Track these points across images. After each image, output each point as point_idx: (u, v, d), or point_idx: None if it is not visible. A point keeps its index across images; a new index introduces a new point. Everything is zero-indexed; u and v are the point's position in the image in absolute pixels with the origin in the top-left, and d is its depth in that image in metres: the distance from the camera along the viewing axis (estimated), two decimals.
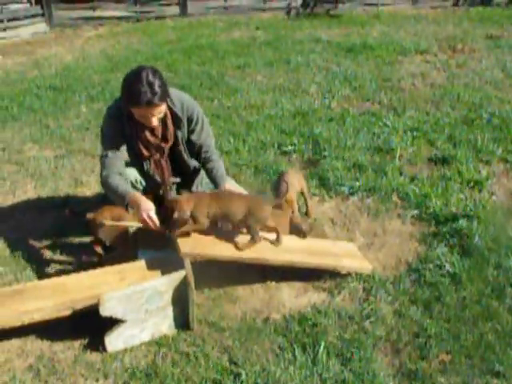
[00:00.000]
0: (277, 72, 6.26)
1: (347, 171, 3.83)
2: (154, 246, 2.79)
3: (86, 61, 7.53)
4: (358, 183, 3.67)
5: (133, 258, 2.75)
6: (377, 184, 3.63)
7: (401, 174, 3.80)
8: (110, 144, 2.84)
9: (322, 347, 2.34)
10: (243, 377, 2.23)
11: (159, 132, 2.89)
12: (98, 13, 10.07)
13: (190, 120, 2.92)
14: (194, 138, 2.96)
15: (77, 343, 2.48)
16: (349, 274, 2.78)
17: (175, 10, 9.92)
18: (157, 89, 2.62)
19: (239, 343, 2.43)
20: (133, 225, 2.78)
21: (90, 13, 10.05)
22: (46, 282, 2.66)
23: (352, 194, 3.59)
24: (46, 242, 3.21)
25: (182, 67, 6.74)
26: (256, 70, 6.39)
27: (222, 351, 2.40)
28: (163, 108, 2.75)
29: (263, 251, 2.67)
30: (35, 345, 2.50)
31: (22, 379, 2.32)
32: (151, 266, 2.61)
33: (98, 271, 2.65)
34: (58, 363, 2.39)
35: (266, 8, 9.86)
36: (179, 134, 2.92)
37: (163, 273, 2.53)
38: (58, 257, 3.08)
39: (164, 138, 2.92)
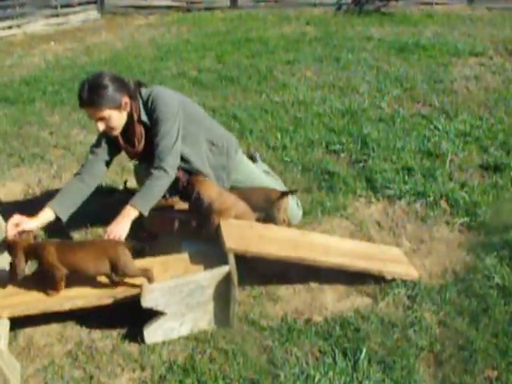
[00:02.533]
0: (326, 69, 6.19)
1: (395, 174, 3.75)
2: (199, 238, 2.78)
3: (136, 49, 7.61)
4: (406, 187, 3.58)
5: (176, 248, 2.73)
6: (426, 188, 3.54)
7: (451, 179, 3.69)
8: (96, 142, 2.94)
9: (363, 353, 2.30)
10: (282, 378, 2.20)
11: (131, 138, 2.91)
12: (148, 1, 10.14)
13: (151, 116, 2.85)
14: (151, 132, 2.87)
15: (115, 332, 2.50)
16: (393, 280, 2.72)
17: (225, 1, 9.94)
18: (86, 93, 2.68)
19: (279, 343, 2.40)
20: (179, 216, 2.79)
21: (140, 1, 10.14)
22: None
23: (400, 197, 3.51)
24: (89, 228, 3.26)
25: (230, 59, 6.75)
26: (305, 66, 6.33)
27: (260, 350, 2.38)
28: (101, 114, 2.73)
29: (310, 252, 2.64)
30: (75, 331, 2.53)
31: (61, 364, 2.35)
32: (195, 259, 2.60)
33: (141, 261, 2.63)
34: (96, 351, 2.41)
35: (317, 3, 9.76)
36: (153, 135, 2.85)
37: (206, 267, 2.51)
38: None
39: (131, 144, 2.92)
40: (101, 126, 2.77)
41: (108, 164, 2.97)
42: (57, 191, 3.62)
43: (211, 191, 2.74)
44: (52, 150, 4.48)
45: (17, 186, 3.92)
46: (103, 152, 2.93)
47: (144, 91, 2.87)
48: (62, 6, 9.48)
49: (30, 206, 3.39)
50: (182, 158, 2.90)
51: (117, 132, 2.84)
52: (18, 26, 8.86)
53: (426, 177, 3.71)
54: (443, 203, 3.43)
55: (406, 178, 3.71)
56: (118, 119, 2.78)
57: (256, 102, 5.22)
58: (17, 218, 2.57)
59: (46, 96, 5.78)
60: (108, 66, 6.72)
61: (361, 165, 3.92)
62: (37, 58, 7.48)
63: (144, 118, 2.84)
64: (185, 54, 7.08)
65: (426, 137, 4.33)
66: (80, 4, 9.78)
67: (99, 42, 8.19)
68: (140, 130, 2.87)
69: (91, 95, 2.69)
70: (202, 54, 7.07)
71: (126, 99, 2.76)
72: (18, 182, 3.97)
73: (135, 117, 2.83)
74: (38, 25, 9.11)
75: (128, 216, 2.61)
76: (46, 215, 2.68)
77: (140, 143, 2.89)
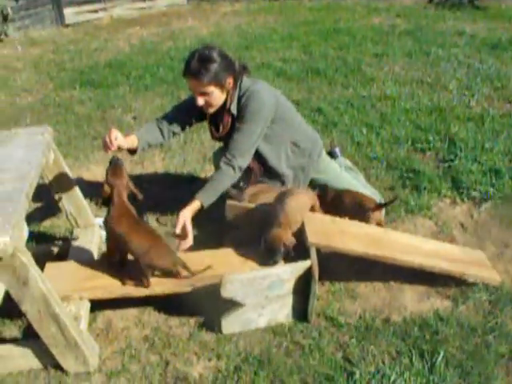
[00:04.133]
0: (415, 64, 6.05)
1: (482, 175, 3.65)
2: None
3: (221, 36, 7.64)
4: (492, 189, 3.49)
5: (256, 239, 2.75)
6: None
7: None
8: (183, 102, 3.12)
9: (440, 356, 2.28)
10: (357, 376, 2.22)
11: (218, 121, 3.00)
12: None
13: (241, 111, 2.90)
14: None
15: (192, 320, 2.57)
16: (475, 284, 2.68)
17: None
18: (195, 63, 2.74)
19: (356, 341, 2.42)
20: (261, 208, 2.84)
21: None
22: None
23: (486, 199, 3.42)
24: (170, 216, 3.35)
25: (317, 50, 6.69)
26: (394, 60, 6.21)
27: (337, 347, 2.40)
28: (204, 89, 2.79)
29: (391, 250, 2.63)
30: (152, 317, 2.62)
31: (138, 348, 2.45)
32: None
33: (221, 251, 2.71)
34: (172, 338, 2.49)
35: None
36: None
37: (286, 261, 2.55)
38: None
39: (216, 127, 3.01)
40: (200, 101, 2.84)
41: (185, 127, 3.07)
42: (139, 178, 3.82)
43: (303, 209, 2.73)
44: None
45: (100, 170, 4.00)
46: (186, 114, 3.04)
47: (244, 82, 2.90)
48: None
49: None
50: (260, 155, 2.98)
51: (213, 110, 2.91)
52: (105, 10, 9.07)
53: None
54: None
55: (494, 180, 3.60)
56: (217, 98, 2.85)
57: (342, 95, 5.19)
58: (115, 132, 2.70)
59: (130, 80, 5.90)
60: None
61: (447, 164, 3.83)
62: (122, 42, 7.64)
63: (233, 109, 2.90)
64: (270, 44, 7.06)
65: None
66: None
67: (184, 28, 8.26)
68: (227, 118, 2.94)
69: (199, 67, 2.75)
70: (287, 44, 7.03)
71: (230, 80, 2.84)
72: (101, 166, 4.04)
73: (227, 104, 2.91)
74: (124, 9, 9.29)
75: (193, 206, 2.73)
76: (133, 142, 2.88)
77: (224, 130, 2.98)
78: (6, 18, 7.55)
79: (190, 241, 2.70)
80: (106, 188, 2.46)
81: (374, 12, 8.66)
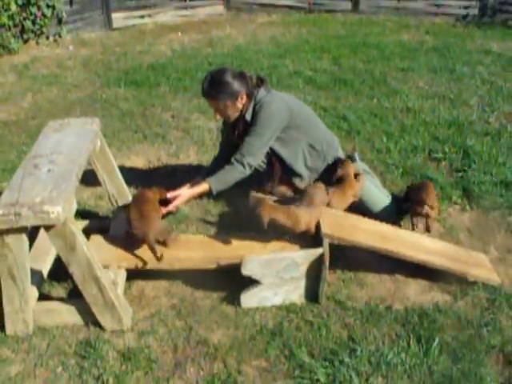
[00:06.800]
0: (439, 79, 6.15)
1: (493, 186, 3.77)
2: None
3: (257, 45, 7.80)
4: (501, 199, 3.62)
5: None
6: None
7: None
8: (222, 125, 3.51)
9: (435, 342, 2.45)
10: (358, 352, 2.41)
11: (235, 127, 3.26)
12: (273, 0, 10.32)
13: (251, 121, 3.15)
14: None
15: (215, 295, 2.79)
16: (475, 283, 2.82)
17: (347, 5, 9.91)
18: (207, 85, 3.06)
19: (360, 323, 2.61)
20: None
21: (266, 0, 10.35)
22: (197, 237, 3.03)
23: (494, 209, 3.55)
24: (202, 204, 3.57)
25: (347, 62, 6.83)
26: (419, 75, 6.32)
27: (342, 327, 2.59)
28: (217, 106, 3.11)
29: (399, 246, 2.81)
30: (180, 289, 2.85)
31: (166, 314, 2.68)
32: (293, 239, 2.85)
33: (244, 236, 2.90)
34: (196, 308, 2.71)
35: (439, 12, 9.56)
36: None
37: (302, 247, 2.76)
38: (209, 218, 3.45)
39: (233, 130, 3.27)
40: (217, 116, 3.20)
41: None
42: (174, 168, 4.07)
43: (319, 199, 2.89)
44: (172, 131, 4.80)
45: (139, 160, 4.28)
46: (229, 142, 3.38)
47: (260, 93, 3.15)
48: (192, 0, 9.83)
49: (149, 179, 3.85)
50: (279, 157, 3.26)
51: (231, 119, 3.20)
52: (150, 16, 9.27)
53: None
54: None
55: (503, 191, 3.72)
56: (231, 111, 3.14)
57: (366, 105, 5.33)
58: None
59: (170, 82, 6.10)
60: (229, 58, 7.00)
61: (460, 174, 3.96)
62: (164, 47, 7.83)
63: (248, 117, 3.16)
64: (302, 54, 7.20)
65: None
66: None
67: (223, 36, 8.43)
68: (242, 124, 3.21)
69: (210, 89, 3.07)
70: (318, 55, 7.17)
71: (243, 95, 3.10)
72: (141, 156, 4.33)
73: (242, 113, 3.17)
74: (168, 15, 9.47)
75: (199, 188, 3.08)
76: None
77: (238, 134, 3.24)
78: (60, 21, 7.90)
79: (171, 208, 3.02)
80: None
81: (404, 28, 8.72)
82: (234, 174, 3.12)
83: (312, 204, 2.79)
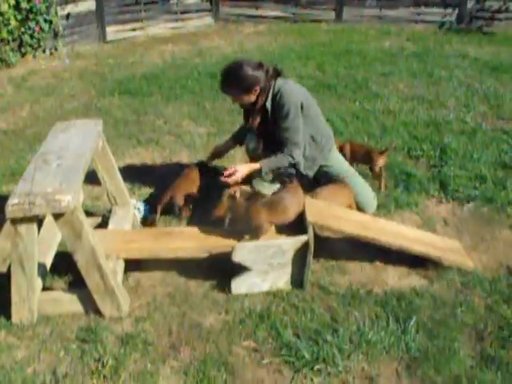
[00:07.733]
0: (419, 83, 6.32)
1: (468, 180, 3.92)
2: None
3: (244, 54, 7.90)
4: (476, 192, 3.76)
5: None
6: (494, 195, 3.70)
7: None
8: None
9: (412, 321, 2.58)
10: (340, 332, 2.53)
11: (249, 114, 3.47)
12: (259, 11, 10.49)
13: (278, 109, 3.28)
14: (279, 124, 3.32)
15: (207, 283, 2.92)
16: (450, 268, 2.95)
17: (331, 14, 10.10)
18: (222, 80, 3.29)
19: (342, 306, 2.73)
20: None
21: (252, 11, 10.50)
22: (189, 229, 3.14)
23: (468, 201, 3.70)
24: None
25: (330, 68, 6.98)
26: (399, 79, 6.49)
27: (326, 309, 2.71)
28: (233, 97, 3.34)
29: (379, 234, 2.94)
30: (174, 278, 2.97)
31: (161, 301, 2.80)
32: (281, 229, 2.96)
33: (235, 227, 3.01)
34: (190, 295, 2.83)
35: (419, 20, 9.76)
36: (270, 120, 3.34)
37: (289, 235, 2.86)
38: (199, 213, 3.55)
39: (247, 117, 3.49)
40: (234, 103, 3.46)
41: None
42: (168, 170, 4.19)
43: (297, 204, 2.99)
44: (165, 136, 4.94)
45: (134, 162, 4.43)
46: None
47: (278, 82, 3.30)
48: (182, 13, 10.04)
49: (143, 181, 3.99)
50: (279, 145, 3.37)
51: (245, 107, 3.43)
52: (142, 29, 9.47)
53: (497, 185, 3.85)
54: (510, 209, 3.58)
55: (478, 184, 3.87)
56: (247, 100, 3.33)
57: (349, 108, 5.48)
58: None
59: (162, 90, 6.24)
60: (218, 67, 6.95)
61: (437, 170, 4.10)
62: (155, 57, 7.97)
63: (268, 105, 3.31)
64: (288, 61, 7.33)
65: (504, 150, 4.43)
66: (197, 11, 10.29)
67: (211, 46, 8.59)
68: (261, 112, 3.37)
69: (225, 84, 3.29)
70: (304, 62, 7.32)
71: (257, 88, 3.26)
72: (135, 159, 4.49)
73: (260, 102, 3.32)
74: (159, 28, 9.69)
75: (253, 166, 3.35)
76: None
77: (254, 121, 3.42)
78: (56, 34, 8.02)
79: (234, 179, 3.27)
80: None
81: (386, 35, 8.89)
82: (284, 161, 3.33)
83: (296, 193, 2.94)
